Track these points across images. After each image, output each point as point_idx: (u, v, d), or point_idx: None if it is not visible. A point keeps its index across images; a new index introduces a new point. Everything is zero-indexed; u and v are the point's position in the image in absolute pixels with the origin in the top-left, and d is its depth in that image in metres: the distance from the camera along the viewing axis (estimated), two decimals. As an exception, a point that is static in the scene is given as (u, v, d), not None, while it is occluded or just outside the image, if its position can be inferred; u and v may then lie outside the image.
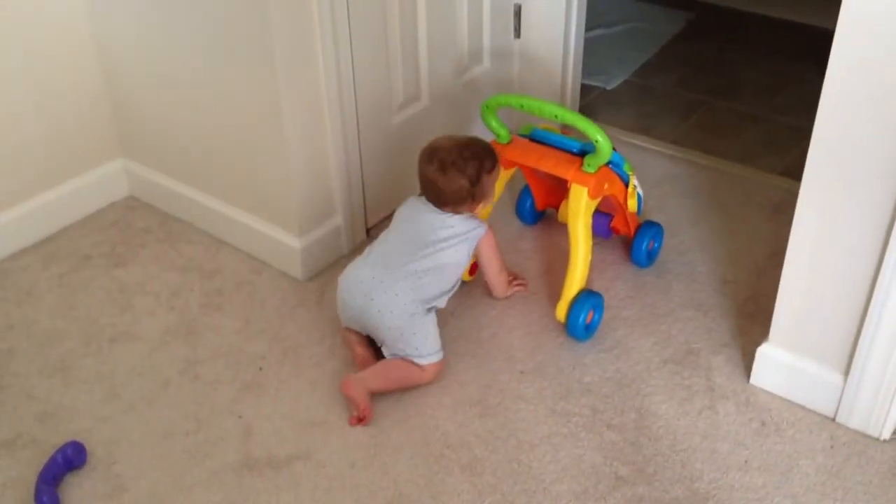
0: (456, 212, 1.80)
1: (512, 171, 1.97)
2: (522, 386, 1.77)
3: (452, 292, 1.84)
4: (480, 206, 1.83)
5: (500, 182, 1.95)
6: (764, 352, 1.70)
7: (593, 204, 1.84)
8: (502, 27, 2.37)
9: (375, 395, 1.73)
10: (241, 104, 1.93)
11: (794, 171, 2.34)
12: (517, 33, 2.43)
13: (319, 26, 1.82)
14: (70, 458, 1.60)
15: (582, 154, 1.86)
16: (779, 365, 1.69)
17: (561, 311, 1.85)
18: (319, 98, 1.90)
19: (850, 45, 1.35)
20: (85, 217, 2.25)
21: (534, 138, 1.95)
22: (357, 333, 1.82)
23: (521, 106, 1.87)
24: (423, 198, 1.83)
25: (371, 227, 2.19)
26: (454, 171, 1.76)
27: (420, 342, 1.74)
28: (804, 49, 2.92)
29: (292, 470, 1.61)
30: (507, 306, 1.96)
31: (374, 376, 1.73)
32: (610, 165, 1.86)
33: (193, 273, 2.08)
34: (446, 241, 1.78)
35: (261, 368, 1.82)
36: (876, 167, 1.41)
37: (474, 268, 1.99)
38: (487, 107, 1.92)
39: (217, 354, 1.86)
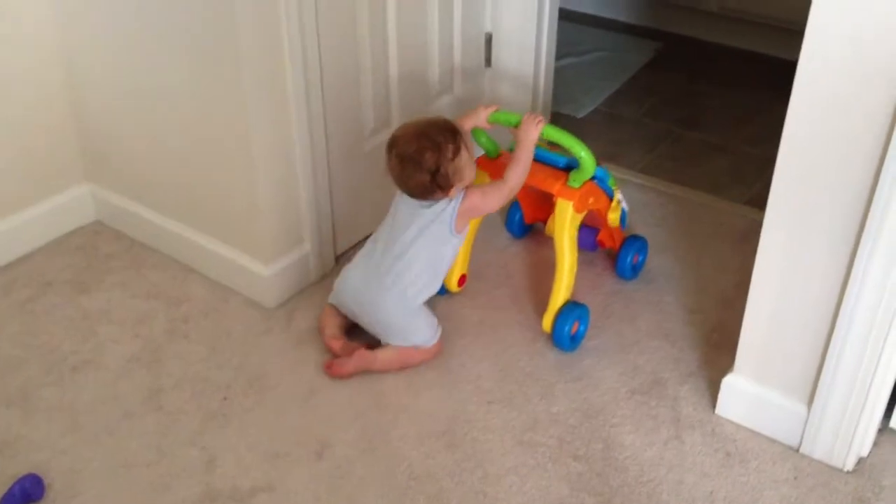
0: (431, 199, 1.77)
1: None
2: (490, 416, 1.76)
3: (439, 276, 1.86)
4: (454, 190, 1.76)
5: None
6: (729, 382, 1.71)
7: (578, 217, 1.88)
8: (473, 55, 2.39)
9: (338, 422, 1.73)
10: (209, 130, 1.92)
11: (761, 201, 2.34)
12: (488, 62, 2.45)
13: (289, 54, 1.81)
14: (28, 491, 1.56)
15: (567, 169, 1.90)
16: (744, 395, 1.70)
17: (547, 321, 1.88)
18: (288, 125, 1.90)
19: (811, 78, 1.37)
20: (49, 242, 2.22)
21: None
22: (338, 324, 1.89)
23: (510, 122, 1.90)
24: None
25: (340, 254, 2.18)
26: (411, 166, 1.72)
27: (415, 334, 1.83)
28: (771, 80, 2.94)
29: (256, 503, 1.59)
30: (477, 335, 1.95)
31: (383, 357, 1.83)
32: (595, 180, 1.90)
33: (159, 300, 2.06)
34: (428, 230, 1.78)
35: (225, 398, 1.80)
36: (837, 200, 1.43)
37: (463, 279, 2.03)
38: None
39: (181, 383, 1.83)
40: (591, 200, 1.90)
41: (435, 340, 1.86)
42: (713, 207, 2.37)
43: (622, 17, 3.45)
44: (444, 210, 1.78)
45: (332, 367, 1.83)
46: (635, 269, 2.10)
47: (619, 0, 3.42)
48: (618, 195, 1.98)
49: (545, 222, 2.17)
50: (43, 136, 2.15)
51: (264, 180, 1.91)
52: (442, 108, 2.34)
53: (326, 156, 2.01)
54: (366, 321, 1.87)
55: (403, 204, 1.82)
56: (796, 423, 1.64)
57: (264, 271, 2.00)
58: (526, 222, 2.23)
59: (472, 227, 1.97)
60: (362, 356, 1.82)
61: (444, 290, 2.00)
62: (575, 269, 1.89)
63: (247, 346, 1.93)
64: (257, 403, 1.79)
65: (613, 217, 1.99)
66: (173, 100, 1.95)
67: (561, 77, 2.76)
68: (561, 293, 1.87)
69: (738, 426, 1.72)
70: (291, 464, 1.66)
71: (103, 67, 2.06)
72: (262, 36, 1.77)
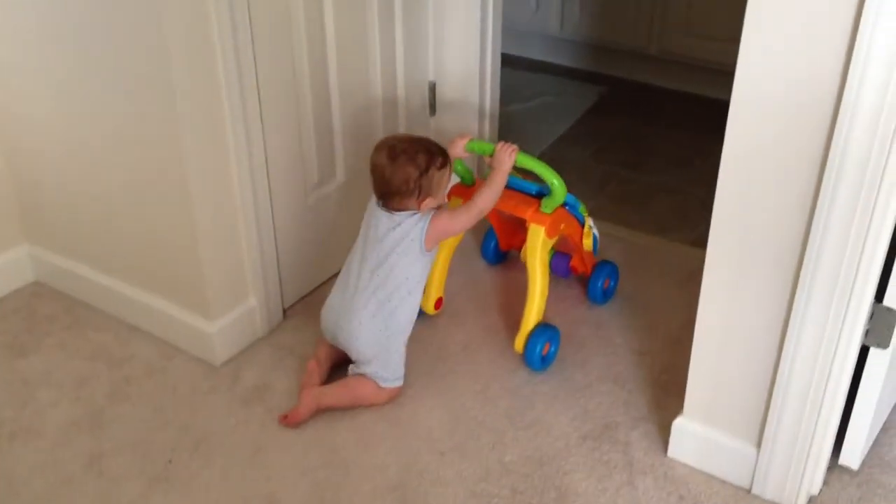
0: (403, 207, 1.81)
1: None
2: (442, 468, 1.73)
3: (416, 308, 1.88)
4: (428, 202, 1.82)
5: None
6: (679, 425, 1.71)
7: (550, 242, 1.95)
8: (417, 105, 2.40)
9: (287, 481, 1.69)
10: (150, 187, 1.89)
11: (705, 242, 2.39)
12: (432, 110, 2.46)
13: (229, 109, 1.80)
14: (-40, 568, 1.50)
15: (539, 196, 1.96)
16: (694, 438, 1.70)
17: (519, 343, 1.94)
18: (230, 180, 1.88)
19: (742, 122, 1.40)
20: (-14, 305, 2.17)
21: None
22: (322, 354, 1.91)
23: (485, 151, 1.95)
24: (375, 200, 1.86)
25: (288, 307, 2.15)
26: (403, 157, 1.78)
27: (384, 367, 1.84)
28: (713, 122, 2.99)
29: (202, 569, 1.54)
30: (428, 383, 1.93)
31: (332, 392, 1.84)
32: (566, 207, 1.97)
33: (101, 361, 2.01)
34: (399, 247, 1.80)
35: (170, 461, 1.75)
36: (774, 241, 1.45)
37: (439, 302, 2.07)
38: None
39: (124, 447, 1.78)
40: (562, 226, 1.97)
41: (394, 385, 1.86)
42: (659, 249, 2.39)
43: (564, 61, 3.50)
44: (414, 227, 1.81)
45: (287, 419, 1.81)
46: (606, 294, 2.16)
47: (560, 45, 3.48)
48: (589, 221, 2.06)
49: (520, 249, 2.23)
50: (-21, 197, 2.11)
51: (206, 236, 1.88)
52: (387, 157, 2.34)
53: (270, 210, 2.00)
54: (342, 339, 1.86)
55: (375, 221, 1.84)
56: (746, 465, 1.64)
57: (209, 328, 1.96)
58: (501, 249, 2.29)
59: (448, 250, 2.03)
60: (310, 393, 1.83)
61: (420, 312, 2.01)
62: (546, 293, 1.95)
63: (192, 405, 1.88)
64: (203, 465, 1.74)
65: (587, 242, 2.06)
66: (111, 156, 1.92)
67: (507, 123, 2.78)
68: (532, 315, 1.92)
69: (691, 469, 1.72)
70: (238, 527, 1.62)
71: (40, 125, 2.02)
72: (200, 91, 1.75)
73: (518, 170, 2.02)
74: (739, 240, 1.49)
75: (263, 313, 2.06)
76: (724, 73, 3.41)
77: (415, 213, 1.82)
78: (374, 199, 1.86)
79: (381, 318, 1.83)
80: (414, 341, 2.00)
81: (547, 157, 2.86)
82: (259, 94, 1.86)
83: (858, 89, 1.26)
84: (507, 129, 2.79)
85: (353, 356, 1.87)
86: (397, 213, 1.82)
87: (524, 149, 1.94)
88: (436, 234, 1.84)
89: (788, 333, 1.48)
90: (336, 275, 2.24)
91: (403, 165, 1.78)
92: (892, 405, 1.81)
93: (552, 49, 3.51)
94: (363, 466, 1.74)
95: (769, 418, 1.57)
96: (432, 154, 1.82)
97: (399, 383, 1.88)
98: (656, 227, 2.49)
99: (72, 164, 2.02)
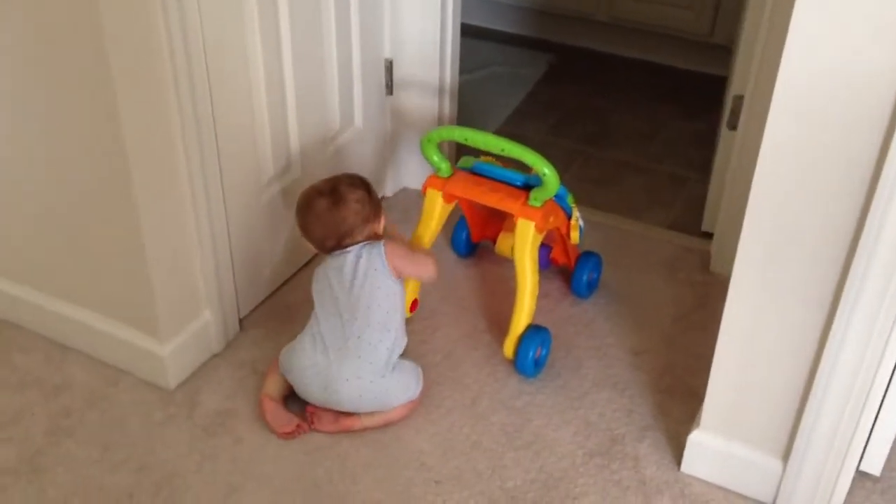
0: (363, 238, 1.66)
1: (452, 204, 1.89)
2: (440, 499, 1.57)
3: (403, 326, 1.71)
4: (383, 220, 1.71)
5: (441, 216, 1.87)
6: (695, 439, 1.59)
7: (539, 238, 1.79)
8: (374, 85, 2.18)
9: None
10: (87, 193, 1.63)
11: (684, 225, 2.29)
12: (389, 90, 2.25)
13: (176, 101, 1.55)
14: None
15: (526, 187, 1.80)
16: (712, 452, 1.57)
17: (509, 348, 1.79)
18: (179, 180, 1.63)
19: (785, 125, 1.25)
20: None
21: (475, 172, 1.87)
22: (273, 390, 1.71)
23: (465, 139, 1.78)
24: (326, 258, 1.68)
25: (244, 317, 1.93)
26: (343, 188, 1.66)
27: (405, 391, 1.69)
28: (668, 90, 2.90)
29: None
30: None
31: (371, 422, 1.68)
32: (554, 198, 1.81)
33: (33, 391, 1.74)
34: (367, 281, 1.63)
35: (129, 510, 1.53)
36: (816, 250, 1.31)
37: (415, 304, 1.90)
38: (429, 140, 1.83)
39: (71, 495, 1.54)
40: (551, 219, 1.81)
41: (420, 387, 1.72)
42: (637, 234, 2.26)
43: (508, 28, 3.31)
44: (371, 252, 1.65)
45: (314, 422, 1.67)
46: (590, 287, 2.03)
47: (503, 10, 3.28)
48: (576, 213, 1.91)
49: (493, 240, 2.06)
50: None
51: (153, 245, 1.63)
52: (345, 143, 2.12)
53: (224, 213, 1.76)
54: (347, 404, 1.66)
55: (335, 274, 1.65)
56: (771, 479, 1.54)
57: (160, 349, 1.72)
58: (473, 241, 2.11)
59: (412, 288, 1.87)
60: (350, 425, 1.67)
61: None
62: (537, 292, 1.79)
63: (147, 439, 1.65)
64: (169, 513, 1.52)
65: (574, 235, 1.92)
66: (42, 158, 1.64)
67: (458, 96, 2.58)
68: (523, 317, 1.77)
69: (708, 484, 1.60)
70: (219, 587, 1.42)
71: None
72: (144, 85, 1.50)
73: (499, 158, 1.86)
74: (774, 248, 1.34)
75: (219, 327, 1.83)
76: (675, 39, 3.29)
77: (365, 244, 1.66)
78: (321, 266, 1.69)
79: (373, 359, 1.64)
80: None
81: (505, 134, 2.68)
82: (209, 82, 1.61)
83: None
84: (459, 103, 2.60)
85: (358, 409, 1.67)
86: (350, 248, 1.65)
87: (479, 126, 1.77)
88: (394, 261, 1.66)
89: (829, 341, 1.36)
90: (292, 277, 2.04)
91: (352, 192, 1.66)
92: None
93: (495, 15, 3.31)
94: (351, 502, 1.55)
95: (800, 431, 1.46)
96: (362, 178, 1.72)
97: (421, 383, 1.72)
98: (629, 208, 2.36)
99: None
